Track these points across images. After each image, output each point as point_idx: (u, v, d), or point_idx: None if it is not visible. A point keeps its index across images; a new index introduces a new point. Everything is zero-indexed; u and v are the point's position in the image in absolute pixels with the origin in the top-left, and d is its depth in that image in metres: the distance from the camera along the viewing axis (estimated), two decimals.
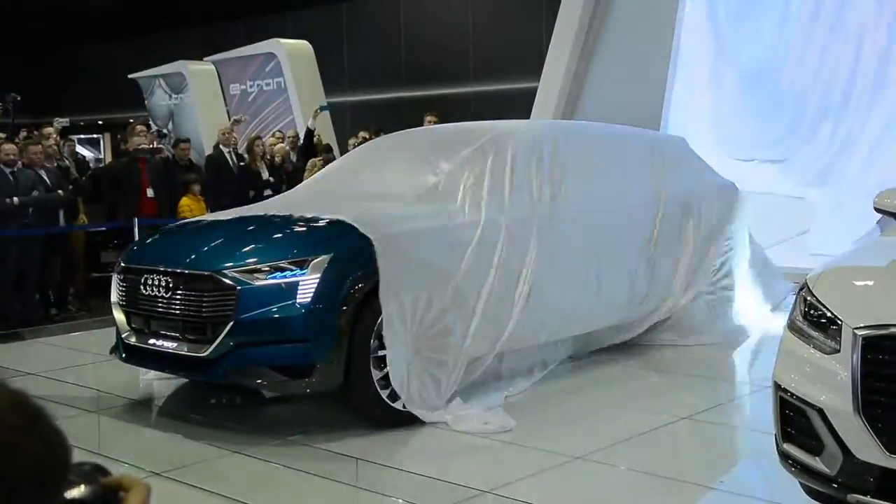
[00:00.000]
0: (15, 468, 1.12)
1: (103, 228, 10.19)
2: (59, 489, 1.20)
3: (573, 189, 5.99)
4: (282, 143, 11.85)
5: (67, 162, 9.89)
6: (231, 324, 4.80)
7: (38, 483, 1.15)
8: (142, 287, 5.21)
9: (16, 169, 8.35)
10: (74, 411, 5.41)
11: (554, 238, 5.72)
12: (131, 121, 14.45)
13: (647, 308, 6.54)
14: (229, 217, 5.76)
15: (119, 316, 5.45)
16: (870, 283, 3.45)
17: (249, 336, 4.81)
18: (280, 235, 5.30)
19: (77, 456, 1.28)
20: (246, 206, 6.51)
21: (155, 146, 10.30)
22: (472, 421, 4.88)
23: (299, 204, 5.75)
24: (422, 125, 9.43)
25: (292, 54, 15.33)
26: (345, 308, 4.76)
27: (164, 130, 14.59)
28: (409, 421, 4.96)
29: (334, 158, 10.41)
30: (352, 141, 11.89)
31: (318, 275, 4.77)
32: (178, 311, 5.04)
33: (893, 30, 9.70)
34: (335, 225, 5.10)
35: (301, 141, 11.60)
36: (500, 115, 8.04)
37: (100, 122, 22.63)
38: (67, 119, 10.09)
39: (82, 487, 1.35)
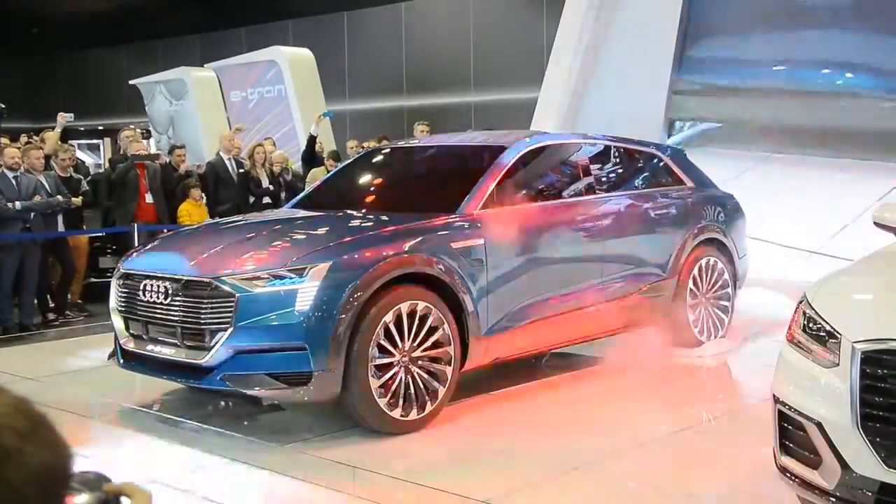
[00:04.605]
0: (21, 474, 1.12)
1: (102, 234, 10.18)
2: (63, 496, 1.20)
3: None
4: (275, 148, 11.82)
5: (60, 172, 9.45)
6: (230, 331, 4.80)
7: (43, 489, 1.14)
8: (141, 293, 5.21)
9: (19, 174, 8.36)
10: (71, 417, 5.39)
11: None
12: (131, 126, 14.46)
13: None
14: (229, 223, 5.75)
15: (117, 321, 5.45)
16: (869, 296, 3.45)
17: (248, 343, 4.81)
18: (279, 243, 5.31)
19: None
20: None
21: (152, 152, 10.28)
22: None
23: None
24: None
25: (293, 62, 15.37)
26: (343, 316, 4.76)
27: (148, 131, 14.43)
28: (406, 429, 4.97)
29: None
30: (351, 144, 11.89)
31: (317, 283, 4.77)
32: (176, 318, 5.03)
33: None
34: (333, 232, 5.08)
35: (303, 147, 11.60)
36: (501, 125, 8.06)
37: (100, 128, 22.66)
38: (72, 114, 9.99)
39: (86, 495, 1.35)
